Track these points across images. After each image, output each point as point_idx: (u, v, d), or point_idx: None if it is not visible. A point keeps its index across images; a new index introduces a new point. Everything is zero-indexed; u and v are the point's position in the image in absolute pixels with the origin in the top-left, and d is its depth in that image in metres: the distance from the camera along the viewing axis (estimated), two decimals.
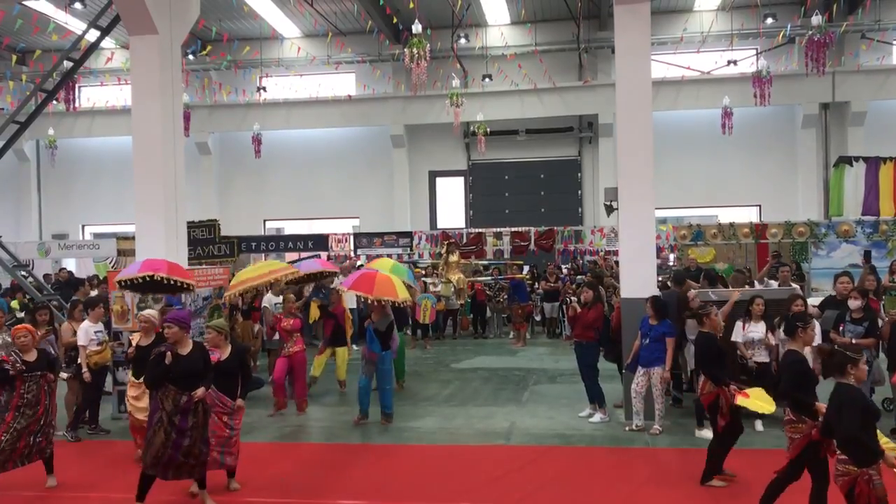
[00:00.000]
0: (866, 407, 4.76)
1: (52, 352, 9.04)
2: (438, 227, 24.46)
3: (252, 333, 11.91)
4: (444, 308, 16.46)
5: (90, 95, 25.79)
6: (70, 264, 22.77)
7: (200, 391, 6.23)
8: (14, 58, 23.36)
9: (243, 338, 11.60)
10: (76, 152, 26.07)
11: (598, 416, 9.14)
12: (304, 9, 21.62)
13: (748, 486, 6.63)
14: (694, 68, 22.20)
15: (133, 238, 11.51)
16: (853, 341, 7.96)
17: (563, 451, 8.06)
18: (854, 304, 8.38)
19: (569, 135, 24.33)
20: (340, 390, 11.19)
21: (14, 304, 15.57)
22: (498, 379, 12.06)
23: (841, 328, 8.32)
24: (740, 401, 6.37)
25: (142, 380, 6.86)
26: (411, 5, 17.35)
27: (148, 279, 8.48)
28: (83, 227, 26.97)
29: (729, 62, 21.43)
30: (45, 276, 18.64)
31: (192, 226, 15.00)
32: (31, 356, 6.98)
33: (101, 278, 15.83)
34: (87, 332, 8.86)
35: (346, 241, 21.48)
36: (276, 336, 10.88)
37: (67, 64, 13.32)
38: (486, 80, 23.53)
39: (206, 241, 16.56)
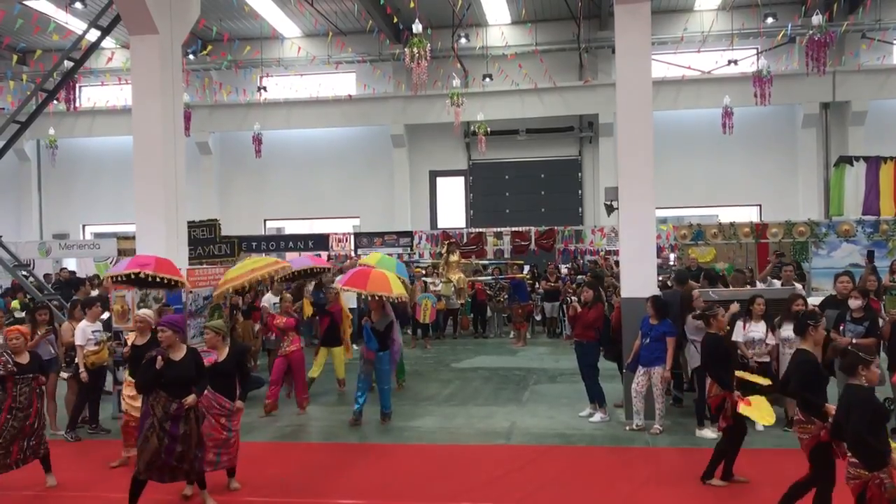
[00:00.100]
0: (875, 409, 4.67)
1: (53, 351, 9.08)
2: (439, 226, 24.47)
3: (252, 333, 11.91)
4: (445, 307, 16.46)
5: (91, 95, 25.81)
6: (71, 264, 22.77)
7: (191, 399, 6.14)
8: (15, 57, 23.38)
9: (244, 337, 11.60)
10: (77, 152, 26.08)
11: (598, 416, 9.14)
12: (304, 8, 21.62)
13: (749, 486, 6.65)
14: (694, 68, 22.19)
15: (134, 238, 11.52)
16: (853, 341, 7.95)
17: (563, 450, 8.06)
18: (855, 303, 8.37)
19: (569, 134, 24.33)
20: (339, 389, 11.18)
21: (15, 303, 15.58)
22: (498, 378, 12.07)
23: (841, 328, 8.31)
24: (742, 409, 6.37)
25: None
26: (412, 5, 17.34)
27: (134, 276, 8.50)
28: (84, 226, 26.99)
29: (729, 62, 21.43)
30: (46, 275, 18.64)
31: (192, 225, 14.97)
32: (24, 358, 6.92)
33: (102, 278, 15.83)
34: (84, 331, 8.83)
35: (346, 240, 21.50)
36: (274, 336, 10.86)
37: (68, 64, 13.31)
38: (487, 79, 23.54)
39: (206, 240, 16.54)
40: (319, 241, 21.45)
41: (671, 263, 18.16)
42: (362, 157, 25.32)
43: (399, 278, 9.93)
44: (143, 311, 7.83)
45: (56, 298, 13.10)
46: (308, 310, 11.25)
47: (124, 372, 8.71)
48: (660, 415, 8.52)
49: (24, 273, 14.08)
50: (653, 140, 9.32)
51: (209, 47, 23.47)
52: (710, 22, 21.50)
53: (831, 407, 5.15)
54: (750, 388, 6.68)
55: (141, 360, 6.31)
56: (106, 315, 9.67)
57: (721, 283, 11.03)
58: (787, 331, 8.33)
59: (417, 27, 14.27)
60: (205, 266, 12.46)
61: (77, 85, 17.34)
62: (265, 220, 26.24)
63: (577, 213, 24.19)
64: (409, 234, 21.58)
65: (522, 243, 20.49)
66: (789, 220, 16.24)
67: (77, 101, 17.61)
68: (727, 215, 20.95)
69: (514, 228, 21.17)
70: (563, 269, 18.91)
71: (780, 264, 12.15)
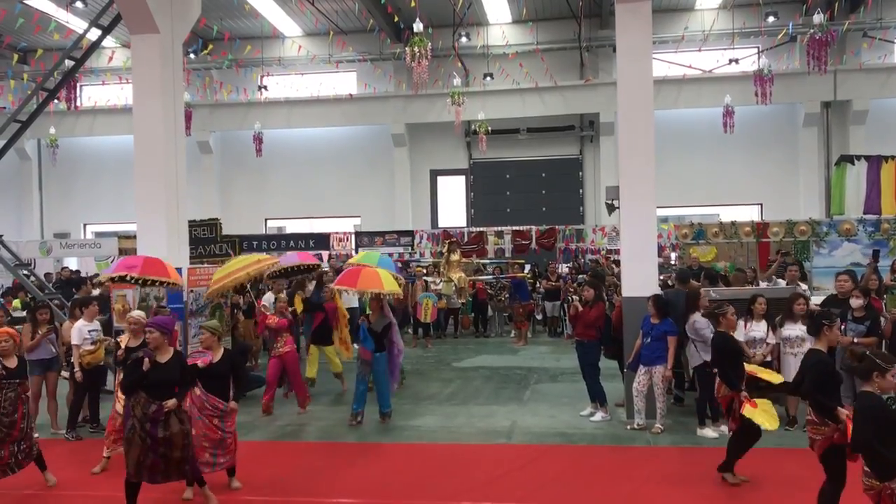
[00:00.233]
0: (887, 417, 4.58)
1: (54, 350, 9.09)
2: (440, 225, 24.46)
3: (254, 332, 11.90)
4: (446, 307, 16.45)
5: (91, 94, 25.81)
6: (71, 263, 22.79)
7: (171, 402, 6.02)
8: (15, 57, 23.39)
9: (245, 337, 11.61)
10: (77, 151, 26.09)
11: (599, 415, 9.14)
12: (304, 7, 21.62)
13: (750, 485, 6.64)
14: (695, 67, 22.17)
15: (134, 237, 11.52)
16: (855, 340, 7.95)
17: (564, 449, 8.06)
18: (856, 302, 8.37)
19: (570, 133, 24.32)
20: (343, 388, 11.13)
21: (16, 302, 15.60)
22: (499, 378, 12.06)
23: (843, 327, 8.31)
24: (747, 411, 6.34)
25: None
26: (412, 4, 17.32)
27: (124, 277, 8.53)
28: (84, 225, 27.00)
29: (730, 61, 21.43)
30: (47, 274, 18.66)
31: (193, 225, 14.97)
32: (12, 362, 6.84)
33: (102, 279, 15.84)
34: (80, 331, 8.79)
35: (347, 239, 21.49)
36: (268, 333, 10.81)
37: (69, 63, 13.31)
38: (488, 78, 23.53)
39: (207, 240, 16.54)
40: (320, 241, 21.45)
41: (672, 262, 18.15)
42: (363, 156, 25.31)
43: (392, 275, 9.91)
44: (136, 313, 7.81)
45: (57, 297, 13.10)
46: (298, 306, 11.19)
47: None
48: (661, 414, 8.51)
49: (25, 272, 14.08)
50: (654, 139, 9.31)
51: (210, 46, 23.47)
52: (711, 21, 21.48)
53: (843, 410, 5.11)
54: (756, 387, 6.64)
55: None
56: (105, 315, 9.69)
57: (722, 282, 11.04)
58: (789, 330, 8.34)
59: (418, 26, 14.27)
60: (206, 265, 12.46)
61: (78, 84, 17.35)
62: (266, 220, 26.25)
63: (578, 213, 24.18)
64: (410, 234, 21.58)
65: (523, 242, 20.49)
66: (790, 220, 16.20)
67: (78, 100, 17.61)
68: (728, 214, 20.91)
69: (514, 227, 21.16)
70: (564, 269, 18.91)
71: (784, 264, 12.15)
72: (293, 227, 25.72)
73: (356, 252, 20.69)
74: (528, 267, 19.01)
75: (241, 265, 9.80)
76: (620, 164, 9.53)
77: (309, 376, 10.95)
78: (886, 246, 15.17)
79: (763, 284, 11.04)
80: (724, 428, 8.29)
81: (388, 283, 9.05)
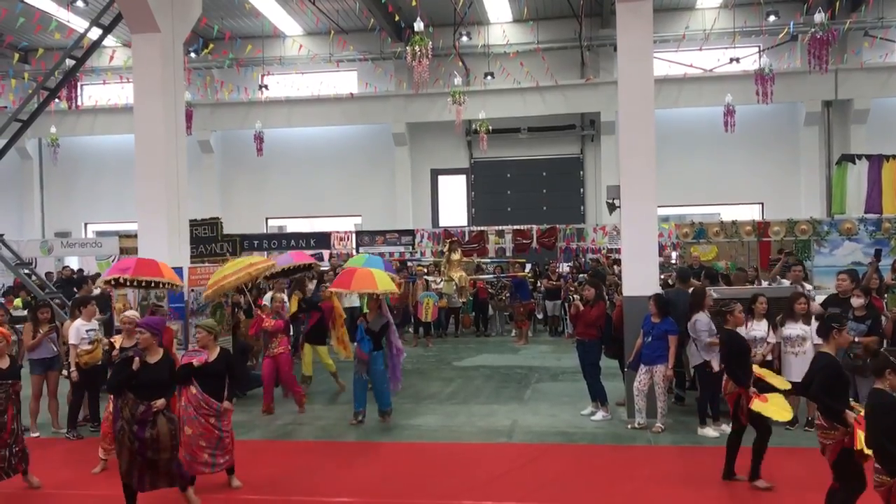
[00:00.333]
0: None
1: (55, 349, 9.10)
2: (440, 225, 24.44)
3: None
4: (447, 306, 16.44)
5: (92, 94, 25.81)
6: (72, 262, 22.80)
7: (160, 402, 5.99)
8: (16, 56, 23.39)
9: (246, 336, 11.59)
10: (78, 150, 26.08)
11: (600, 414, 9.13)
12: (305, 7, 21.61)
13: (750, 485, 6.63)
14: (696, 66, 22.15)
15: (135, 236, 11.52)
16: (856, 339, 7.94)
17: (564, 448, 8.06)
18: (857, 301, 8.37)
19: (571, 132, 24.30)
20: (339, 388, 11.07)
21: (17, 301, 15.62)
22: (500, 377, 12.06)
23: None
24: (755, 405, 6.29)
25: None
26: (413, 3, 17.33)
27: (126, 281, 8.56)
28: (85, 224, 27.00)
29: (731, 60, 21.41)
30: (48, 273, 18.67)
31: (194, 224, 14.98)
32: (4, 363, 6.79)
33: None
34: (78, 330, 8.77)
35: (348, 239, 21.49)
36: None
37: (69, 62, 13.32)
38: (488, 77, 23.51)
39: (208, 239, 16.54)
40: (321, 240, 21.45)
41: (673, 262, 18.16)
42: (364, 155, 25.30)
43: (387, 274, 9.89)
44: (130, 313, 7.81)
45: (58, 297, 13.12)
46: (293, 307, 11.18)
47: None
48: (661, 413, 8.51)
49: (26, 271, 14.10)
50: (654, 138, 9.30)
51: (211, 46, 23.46)
52: (712, 20, 21.45)
53: (851, 414, 5.10)
54: (767, 389, 6.61)
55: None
56: (106, 315, 9.70)
57: (723, 281, 11.04)
58: (789, 329, 8.33)
59: (419, 25, 14.26)
60: (206, 264, 12.47)
61: (79, 83, 17.38)
62: (267, 219, 26.24)
63: (579, 212, 24.17)
64: (411, 233, 21.56)
65: (524, 241, 20.48)
66: (791, 219, 16.21)
67: (79, 99, 17.63)
68: (729, 213, 20.93)
69: (515, 227, 21.15)
70: (565, 268, 18.90)
71: (787, 264, 12.14)
72: (294, 226, 25.73)
73: (357, 251, 20.76)
74: (528, 266, 19.01)
75: (233, 270, 9.77)
76: (621, 163, 9.52)
77: (305, 374, 10.97)
78: (887, 245, 15.17)
79: (765, 284, 11.02)
80: (725, 427, 8.30)
81: (383, 283, 9.04)
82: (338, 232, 21.64)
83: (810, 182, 22.50)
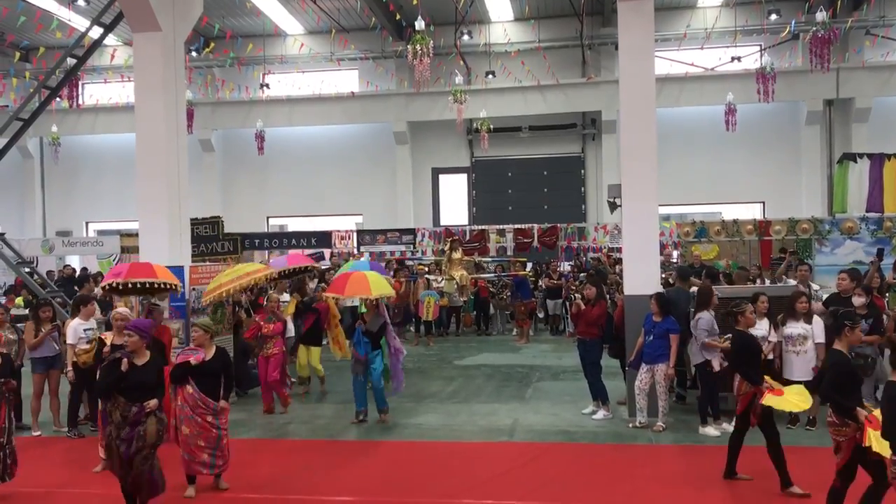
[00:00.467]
0: None
1: (57, 348, 9.11)
2: (441, 223, 24.42)
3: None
4: (448, 305, 16.45)
5: (93, 92, 25.81)
6: (74, 261, 22.81)
7: (153, 402, 5.92)
8: (17, 55, 23.39)
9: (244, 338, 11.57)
10: (79, 149, 26.08)
11: (601, 413, 9.13)
12: (306, 5, 21.59)
13: (751, 484, 6.63)
14: (697, 65, 22.11)
15: (137, 235, 11.53)
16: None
17: (566, 447, 8.06)
18: (858, 300, 8.37)
19: (572, 131, 24.29)
20: (321, 390, 11.05)
21: (19, 300, 15.64)
22: (501, 376, 12.06)
23: None
24: (768, 399, 6.20)
25: None
26: (414, 2, 17.32)
27: (121, 285, 8.57)
28: (87, 223, 27.01)
29: (733, 58, 21.36)
30: (49, 272, 18.68)
31: (195, 223, 14.99)
32: None
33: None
34: (76, 330, 8.74)
35: (349, 237, 21.49)
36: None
37: (71, 61, 13.33)
38: (490, 76, 23.48)
39: (209, 238, 16.57)
40: (322, 239, 21.44)
41: (674, 261, 18.16)
42: (365, 154, 25.29)
43: (382, 276, 9.87)
44: (122, 310, 7.79)
45: (59, 295, 13.14)
46: (290, 309, 11.15)
47: None
48: (663, 412, 8.51)
49: (28, 270, 14.12)
50: (656, 137, 9.30)
51: (212, 44, 23.46)
52: (714, 18, 21.43)
53: (863, 411, 5.10)
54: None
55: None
56: (108, 314, 9.70)
57: (724, 280, 11.04)
58: (791, 328, 8.33)
59: (420, 24, 14.26)
60: (207, 263, 12.48)
61: (80, 82, 17.40)
62: (268, 218, 26.24)
63: (580, 211, 24.16)
64: (412, 232, 21.54)
65: (525, 240, 20.47)
66: (793, 218, 16.21)
67: (80, 98, 17.64)
68: (730, 212, 20.92)
69: (516, 226, 21.13)
70: (566, 267, 18.89)
71: (791, 263, 12.14)
72: (295, 225, 25.72)
73: (358, 250, 20.79)
74: (529, 265, 19.01)
75: (230, 278, 9.75)
76: (622, 162, 9.51)
77: (301, 375, 10.96)
78: (889, 244, 15.18)
79: (768, 283, 11.02)
80: (726, 426, 8.30)
81: (377, 287, 9.00)
82: (339, 231, 21.62)
83: (811, 181, 22.49)
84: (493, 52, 23.35)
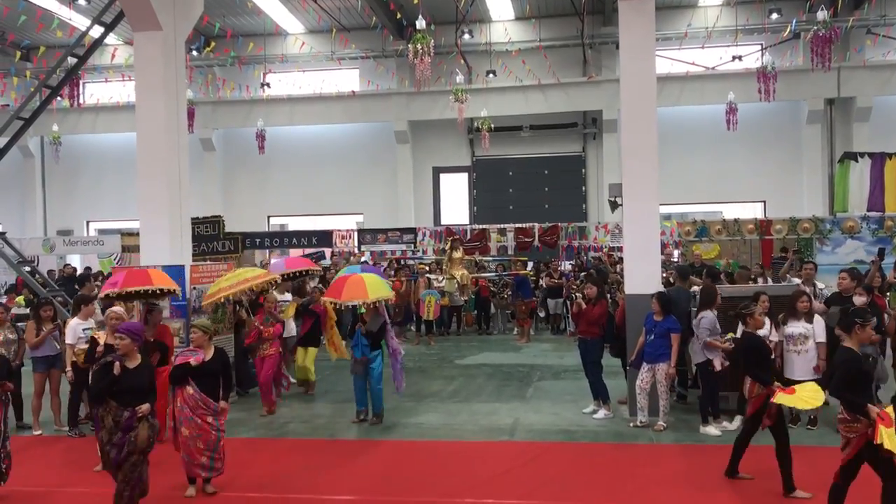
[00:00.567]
0: None
1: (58, 347, 9.11)
2: (442, 223, 24.41)
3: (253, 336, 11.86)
4: (448, 304, 16.44)
5: (94, 92, 25.81)
6: (75, 260, 22.82)
7: (145, 407, 5.86)
8: (18, 54, 23.38)
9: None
10: (80, 148, 26.09)
11: (602, 413, 9.13)
12: (307, 5, 21.59)
13: (752, 483, 6.63)
14: (698, 64, 22.11)
15: (137, 234, 11.53)
16: None
17: (566, 447, 8.06)
18: (859, 300, 8.36)
19: (573, 131, 24.29)
20: (307, 391, 11.00)
21: (20, 299, 15.64)
22: (502, 375, 12.06)
23: None
24: (779, 397, 6.14)
25: None
26: (415, 1, 17.31)
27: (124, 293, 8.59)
28: (88, 223, 27.03)
29: (734, 58, 21.35)
30: (50, 272, 18.69)
31: (196, 222, 15.01)
32: None
33: (107, 275, 15.87)
34: (75, 330, 8.72)
35: (350, 237, 21.48)
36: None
37: (71, 60, 13.33)
38: (490, 75, 23.47)
39: (210, 237, 16.60)
40: (323, 238, 21.43)
41: (674, 260, 18.15)
42: (366, 153, 25.29)
43: (379, 279, 9.81)
44: (117, 309, 7.75)
45: (60, 294, 13.14)
46: (290, 311, 11.15)
47: None
48: (664, 411, 8.50)
49: (29, 269, 14.13)
50: (657, 136, 9.29)
51: (212, 44, 23.46)
52: (715, 18, 21.43)
53: (874, 408, 5.09)
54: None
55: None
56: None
57: (726, 279, 11.03)
58: (792, 328, 8.32)
59: (421, 23, 14.25)
60: (208, 262, 12.48)
61: (81, 81, 17.39)
62: (269, 217, 26.24)
63: (581, 210, 24.16)
64: (413, 231, 21.53)
65: (526, 240, 20.45)
66: (793, 217, 16.21)
67: (81, 97, 17.64)
68: (731, 212, 20.91)
69: (517, 225, 21.11)
70: (567, 266, 18.88)
71: (796, 261, 12.14)
72: (296, 224, 25.72)
73: (359, 250, 20.79)
74: (530, 264, 19.00)
75: (229, 283, 9.73)
76: (623, 161, 9.50)
77: (299, 377, 10.95)
78: (890, 243, 15.18)
79: (769, 281, 11.01)
80: (727, 425, 8.31)
81: (374, 290, 8.94)
82: (340, 230, 21.62)
83: (812, 180, 22.48)
84: (493, 52, 23.34)
